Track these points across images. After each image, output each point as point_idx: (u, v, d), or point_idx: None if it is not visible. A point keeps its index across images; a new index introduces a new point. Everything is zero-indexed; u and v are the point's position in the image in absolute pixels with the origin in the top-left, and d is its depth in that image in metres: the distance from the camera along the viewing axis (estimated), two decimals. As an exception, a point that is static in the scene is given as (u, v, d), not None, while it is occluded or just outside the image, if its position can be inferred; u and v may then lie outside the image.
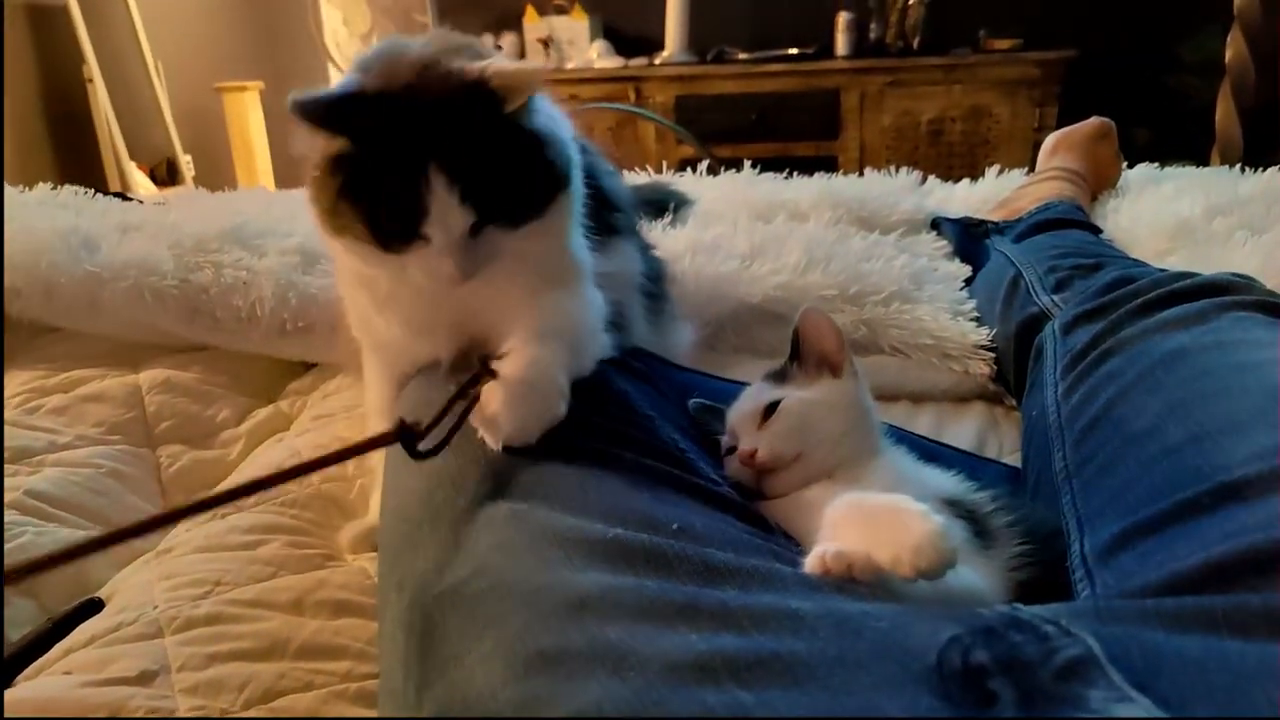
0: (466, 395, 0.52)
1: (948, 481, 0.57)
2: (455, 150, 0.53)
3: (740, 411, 0.60)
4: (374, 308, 0.65)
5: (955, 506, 0.52)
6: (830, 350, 0.61)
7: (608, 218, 0.75)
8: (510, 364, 0.54)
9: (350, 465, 0.81)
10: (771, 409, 0.58)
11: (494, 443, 0.51)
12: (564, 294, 0.62)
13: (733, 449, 0.58)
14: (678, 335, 0.89)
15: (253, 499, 0.74)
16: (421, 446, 0.49)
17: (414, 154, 0.53)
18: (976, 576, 0.47)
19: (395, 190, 0.53)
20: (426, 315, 0.62)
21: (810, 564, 0.43)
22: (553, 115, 0.61)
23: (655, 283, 0.84)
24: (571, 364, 0.56)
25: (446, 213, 0.53)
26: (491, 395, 0.52)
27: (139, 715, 0.52)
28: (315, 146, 0.55)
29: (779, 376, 0.62)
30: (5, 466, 0.80)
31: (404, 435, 0.48)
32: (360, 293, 0.65)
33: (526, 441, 0.51)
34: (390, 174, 0.53)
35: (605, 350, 0.62)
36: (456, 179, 0.53)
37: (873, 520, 0.43)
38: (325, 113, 0.53)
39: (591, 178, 0.70)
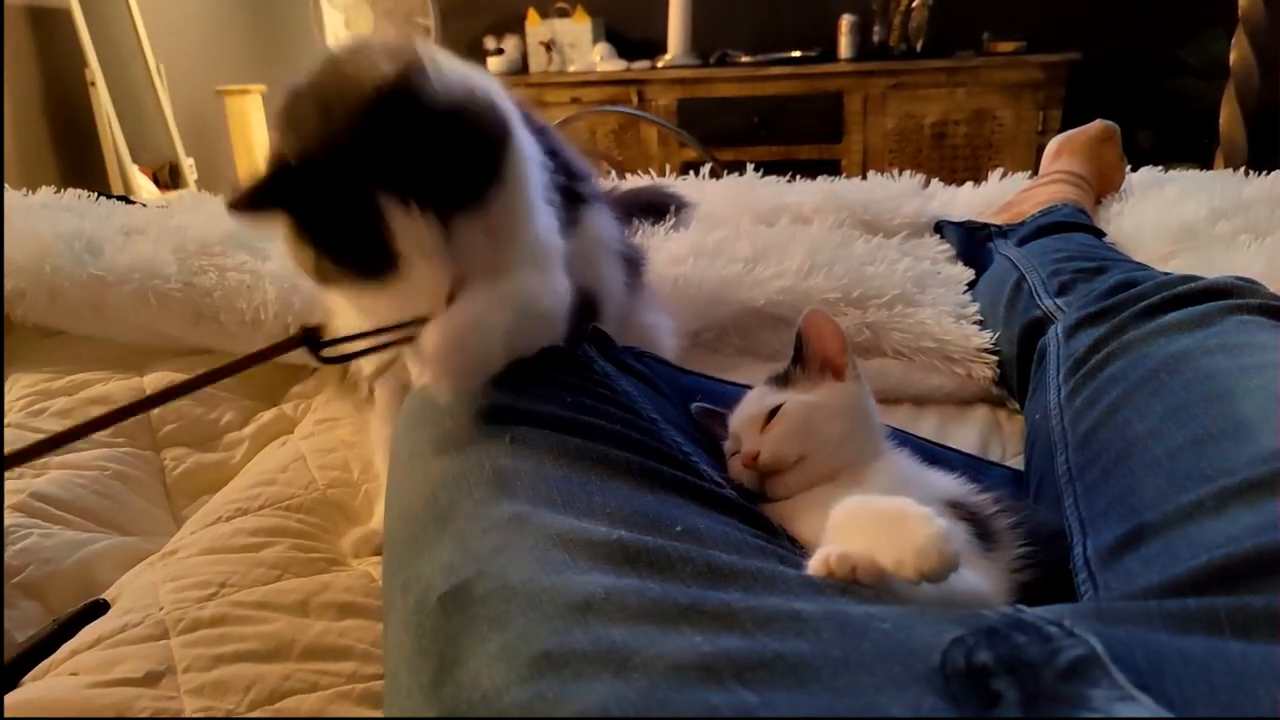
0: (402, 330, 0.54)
1: (950, 483, 0.57)
2: (388, 168, 0.52)
3: (743, 415, 0.60)
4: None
5: (957, 508, 0.53)
6: (833, 353, 0.61)
7: (575, 187, 0.75)
8: (457, 313, 0.53)
9: (356, 470, 0.81)
10: (774, 413, 0.58)
11: (416, 379, 0.52)
12: (527, 272, 0.61)
13: (735, 453, 0.58)
14: (655, 318, 0.90)
15: (259, 501, 0.75)
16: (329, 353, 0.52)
17: (354, 193, 0.52)
18: (979, 578, 0.47)
19: (358, 232, 0.53)
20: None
21: (814, 566, 0.43)
22: (460, 75, 0.59)
23: (630, 256, 0.85)
24: (516, 336, 0.55)
25: (412, 229, 0.53)
26: (430, 336, 0.52)
27: (145, 716, 0.52)
28: (273, 227, 0.56)
29: (781, 380, 0.62)
30: (11, 469, 0.81)
31: (308, 337, 0.52)
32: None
33: (440, 393, 0.51)
34: (344, 221, 0.54)
35: (558, 337, 0.60)
36: (403, 193, 0.52)
37: (876, 523, 0.43)
38: (256, 202, 0.54)
39: (554, 153, 0.70)
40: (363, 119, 0.52)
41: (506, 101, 0.61)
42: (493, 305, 0.55)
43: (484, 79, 0.62)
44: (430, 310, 0.55)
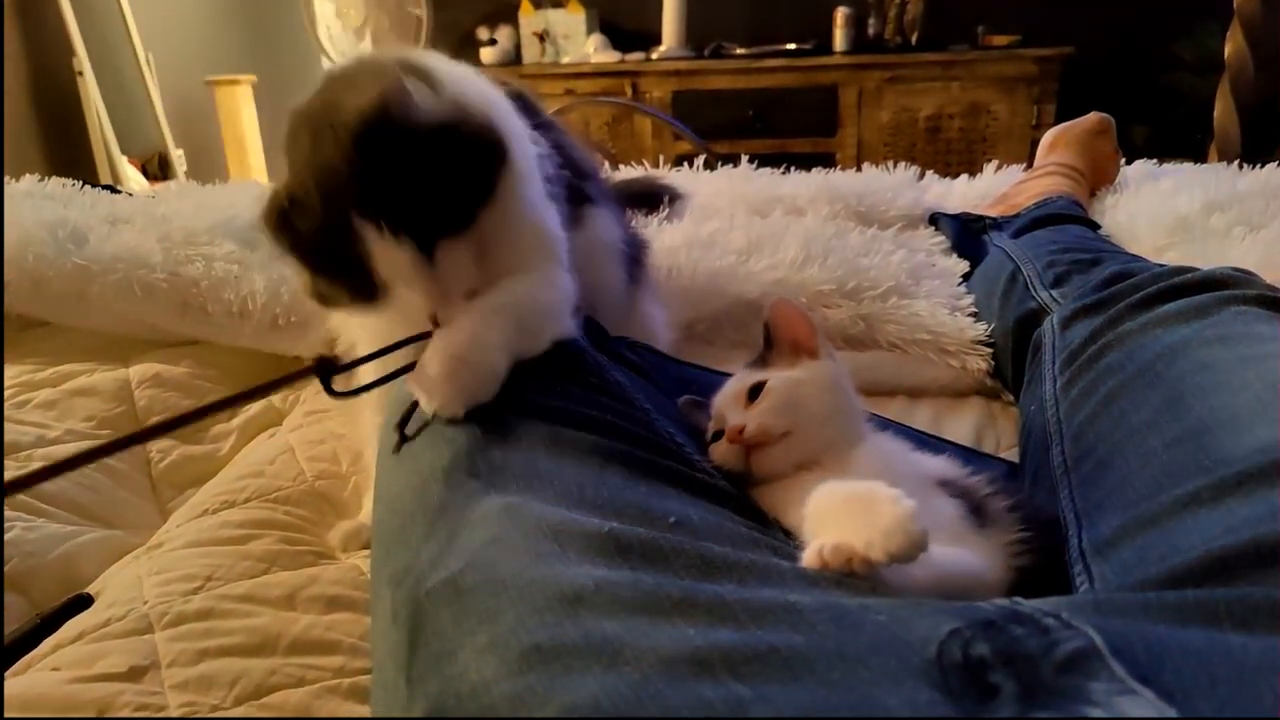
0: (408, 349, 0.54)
1: (940, 463, 0.56)
2: (366, 192, 0.53)
3: (726, 395, 0.61)
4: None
5: (949, 487, 0.52)
6: (802, 337, 0.62)
7: (580, 186, 0.75)
8: (452, 334, 0.53)
9: (345, 463, 0.81)
10: (757, 389, 0.58)
11: (426, 407, 0.52)
12: (529, 274, 0.61)
13: (719, 434, 0.58)
14: (653, 312, 0.90)
15: (246, 494, 0.74)
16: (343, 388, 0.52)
17: (336, 217, 0.54)
18: (973, 557, 0.47)
19: (342, 257, 0.55)
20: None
21: (809, 558, 0.42)
22: (463, 84, 0.59)
23: (633, 252, 0.85)
24: (517, 343, 0.55)
25: (389, 256, 0.54)
26: (430, 362, 0.53)
27: (128, 712, 0.51)
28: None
29: (759, 363, 0.63)
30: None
31: (321, 367, 0.50)
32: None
33: (453, 415, 0.52)
34: (330, 246, 0.55)
35: (566, 333, 0.61)
36: (377, 217, 0.53)
37: (847, 507, 0.43)
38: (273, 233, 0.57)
39: (560, 148, 0.70)
40: (341, 149, 0.53)
41: (504, 111, 0.61)
42: (488, 318, 0.55)
43: (480, 88, 0.61)
44: (426, 326, 0.57)
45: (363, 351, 0.74)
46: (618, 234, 0.81)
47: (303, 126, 0.57)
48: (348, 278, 0.57)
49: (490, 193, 0.57)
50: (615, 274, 0.80)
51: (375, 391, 0.72)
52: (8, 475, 0.39)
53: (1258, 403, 0.51)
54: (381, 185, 0.53)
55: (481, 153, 0.57)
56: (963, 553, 0.46)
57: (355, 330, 0.73)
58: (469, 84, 0.60)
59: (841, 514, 0.43)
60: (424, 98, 0.54)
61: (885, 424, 0.65)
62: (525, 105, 0.73)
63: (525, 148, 0.62)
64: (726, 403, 0.59)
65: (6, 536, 0.70)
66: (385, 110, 0.52)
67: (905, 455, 0.58)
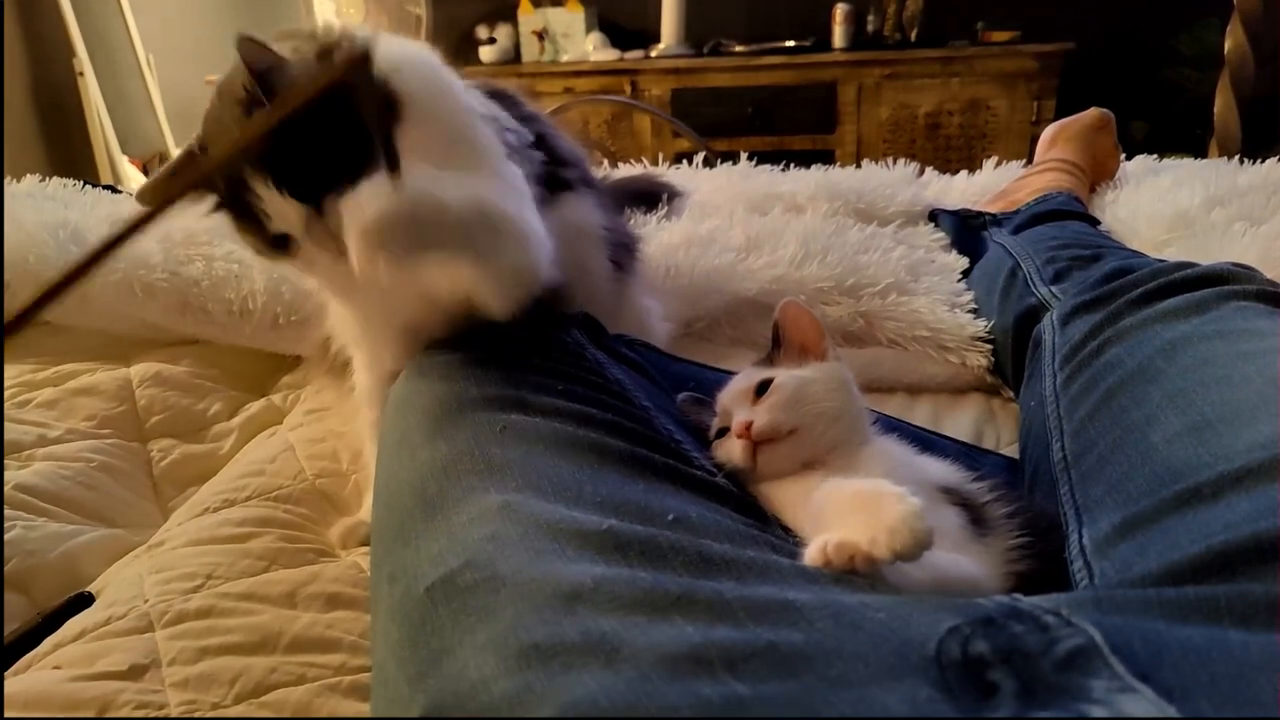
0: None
1: (944, 470, 0.56)
2: (258, 150, 0.55)
3: (732, 391, 0.60)
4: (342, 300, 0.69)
5: (951, 494, 0.52)
6: (811, 339, 0.62)
7: (559, 173, 0.76)
8: (408, 180, 0.52)
9: (345, 460, 0.81)
10: (764, 386, 0.58)
11: (357, 255, 0.52)
12: (483, 178, 0.62)
13: (723, 430, 0.57)
14: (646, 305, 0.89)
15: (247, 492, 0.74)
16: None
17: (234, 171, 0.57)
18: (972, 563, 0.47)
19: (244, 209, 0.59)
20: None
21: (811, 555, 0.42)
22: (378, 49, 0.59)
23: (621, 241, 0.85)
24: (471, 227, 0.55)
25: (281, 209, 0.57)
26: (371, 199, 0.52)
27: (128, 710, 0.51)
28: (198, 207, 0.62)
29: (766, 362, 0.63)
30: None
31: None
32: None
33: (389, 271, 0.51)
34: (233, 197, 0.59)
35: (530, 264, 0.61)
36: (264, 172, 0.56)
37: (852, 504, 0.43)
38: (161, 193, 0.60)
39: (542, 138, 0.72)
40: (229, 106, 0.57)
41: (423, 72, 0.63)
42: (449, 185, 0.55)
43: (401, 52, 0.63)
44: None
45: (352, 350, 0.76)
46: (598, 219, 0.80)
47: (216, 92, 0.61)
48: (256, 227, 0.59)
49: (376, 155, 0.56)
50: (597, 259, 0.80)
51: (369, 386, 0.73)
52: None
53: (1258, 398, 0.51)
54: (265, 142, 0.55)
55: (365, 116, 0.56)
56: (962, 558, 0.46)
57: (341, 329, 0.74)
58: (388, 50, 0.61)
59: (846, 511, 0.43)
60: (300, 61, 0.56)
61: (890, 423, 0.65)
62: (507, 101, 0.74)
63: (450, 102, 0.64)
64: (733, 399, 0.59)
65: (7, 536, 0.70)
66: (267, 74, 0.55)
67: (909, 459, 0.57)
